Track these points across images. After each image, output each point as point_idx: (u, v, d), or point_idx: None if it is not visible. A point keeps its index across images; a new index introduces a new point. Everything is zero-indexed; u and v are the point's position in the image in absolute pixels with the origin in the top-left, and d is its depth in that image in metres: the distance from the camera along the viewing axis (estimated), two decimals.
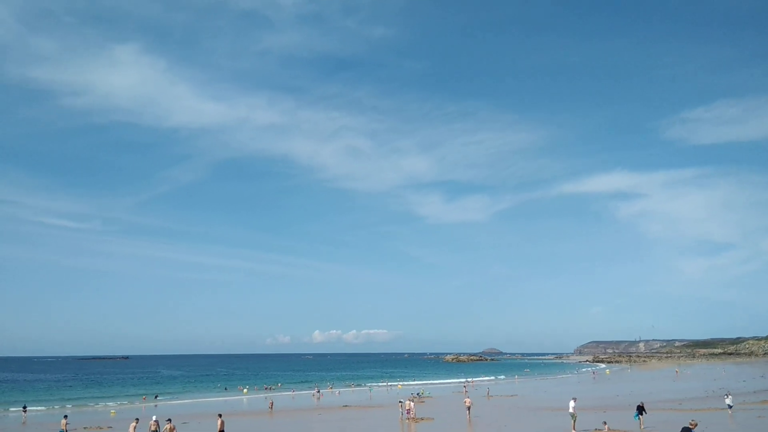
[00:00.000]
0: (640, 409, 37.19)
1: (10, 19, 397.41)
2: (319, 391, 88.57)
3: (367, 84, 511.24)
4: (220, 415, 34.44)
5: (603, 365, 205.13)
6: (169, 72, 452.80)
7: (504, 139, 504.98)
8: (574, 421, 36.61)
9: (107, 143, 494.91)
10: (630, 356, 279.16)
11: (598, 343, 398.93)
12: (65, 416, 42.26)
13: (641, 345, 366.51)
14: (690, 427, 23.32)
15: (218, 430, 32.86)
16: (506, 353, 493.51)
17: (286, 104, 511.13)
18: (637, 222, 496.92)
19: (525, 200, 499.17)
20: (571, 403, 37.43)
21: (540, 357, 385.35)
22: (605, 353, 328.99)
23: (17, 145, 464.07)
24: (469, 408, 46.87)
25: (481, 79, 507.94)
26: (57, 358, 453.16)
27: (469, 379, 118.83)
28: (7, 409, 67.57)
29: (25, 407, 60.01)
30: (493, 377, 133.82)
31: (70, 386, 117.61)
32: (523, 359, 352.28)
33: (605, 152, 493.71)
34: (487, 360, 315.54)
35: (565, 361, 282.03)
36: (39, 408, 70.03)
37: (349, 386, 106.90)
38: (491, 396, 74.02)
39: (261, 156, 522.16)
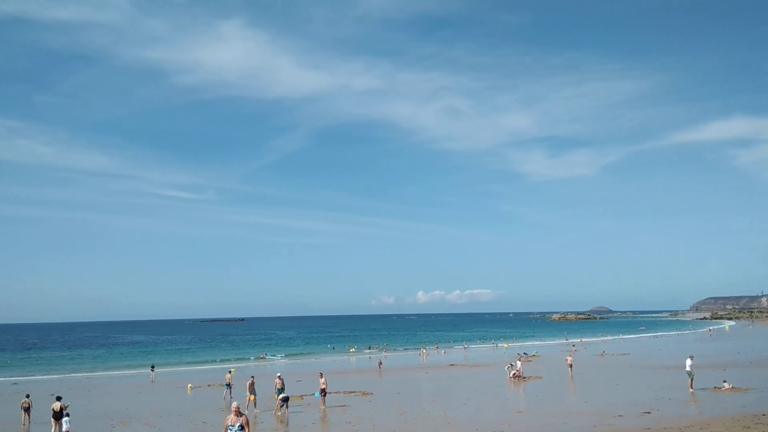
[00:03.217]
0: None
1: (124, 3, 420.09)
2: (425, 351, 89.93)
3: (465, 42, 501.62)
4: (321, 374, 35.67)
5: (723, 322, 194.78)
6: (271, 44, 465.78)
7: (610, 90, 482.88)
8: (692, 380, 35.14)
9: (217, 117, 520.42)
10: (752, 312, 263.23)
11: (716, 299, 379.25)
12: (230, 371, 45.63)
13: (764, 300, 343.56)
14: None
15: (320, 388, 34.02)
16: (616, 311, 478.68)
17: (384, 68, 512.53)
18: (757, 170, 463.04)
19: (634, 152, 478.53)
20: (688, 361, 35.88)
21: (653, 315, 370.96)
22: (724, 309, 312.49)
23: (135, 123, 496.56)
24: (570, 366, 47.89)
25: (583, 27, 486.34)
26: (181, 320, 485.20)
27: (569, 339, 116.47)
28: (138, 368, 73.35)
29: (153, 367, 64.43)
30: (604, 336, 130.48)
31: (193, 347, 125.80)
32: (635, 317, 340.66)
33: (721, 97, 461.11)
34: (596, 318, 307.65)
35: (680, 319, 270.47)
36: (166, 369, 75.45)
37: (463, 345, 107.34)
38: (604, 354, 72.33)
39: (361, 121, 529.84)
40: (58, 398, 28.55)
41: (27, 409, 31.07)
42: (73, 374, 68.01)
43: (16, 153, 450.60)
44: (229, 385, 40.15)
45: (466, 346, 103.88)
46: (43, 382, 57.71)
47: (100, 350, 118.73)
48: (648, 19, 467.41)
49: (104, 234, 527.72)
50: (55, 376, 65.82)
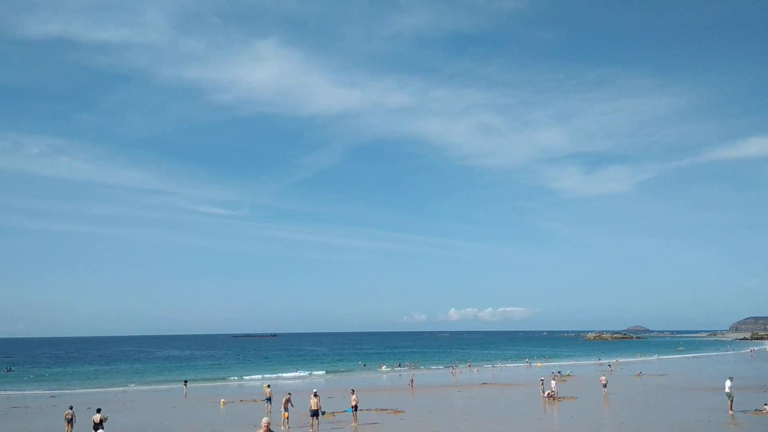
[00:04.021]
0: None
1: (164, 24, 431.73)
2: (457, 369, 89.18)
3: (497, 58, 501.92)
4: (353, 391, 35.66)
5: (764, 343, 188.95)
6: (305, 62, 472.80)
7: (645, 106, 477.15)
8: (731, 402, 34.22)
9: (252, 134, 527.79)
10: None
11: (756, 319, 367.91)
12: (268, 385, 46.12)
13: None
14: None
15: (352, 404, 34.01)
16: (653, 331, 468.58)
17: (417, 85, 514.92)
18: None
19: (671, 169, 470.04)
20: (728, 383, 34.97)
21: (691, 334, 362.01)
22: (765, 329, 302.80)
23: (172, 141, 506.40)
24: (604, 385, 47.91)
25: (617, 43, 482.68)
26: (214, 335, 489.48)
27: (602, 360, 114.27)
28: (172, 383, 74.12)
29: (185, 381, 65.03)
30: (643, 356, 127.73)
31: (226, 362, 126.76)
32: (673, 337, 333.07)
33: (758, 113, 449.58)
34: (632, 338, 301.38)
35: (719, 339, 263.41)
36: (198, 383, 76.21)
37: (497, 365, 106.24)
38: (641, 375, 70.82)
39: (393, 138, 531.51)
40: (98, 410, 29.63)
41: (70, 421, 32.13)
42: (108, 388, 69.09)
43: (58, 170, 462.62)
44: (269, 399, 40.75)
45: (500, 365, 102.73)
46: (80, 396, 58.74)
47: (137, 364, 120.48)
48: (683, 35, 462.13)
49: (141, 249, 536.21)
50: (91, 390, 66.93)
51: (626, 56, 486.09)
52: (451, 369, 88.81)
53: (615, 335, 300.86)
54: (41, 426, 37.32)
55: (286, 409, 33.73)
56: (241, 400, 49.36)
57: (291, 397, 35.87)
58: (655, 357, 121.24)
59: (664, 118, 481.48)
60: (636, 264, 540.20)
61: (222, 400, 47.97)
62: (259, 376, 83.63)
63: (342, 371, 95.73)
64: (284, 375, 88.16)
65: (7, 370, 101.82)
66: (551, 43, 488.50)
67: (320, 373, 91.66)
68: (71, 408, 33.22)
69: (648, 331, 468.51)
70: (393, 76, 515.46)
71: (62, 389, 67.89)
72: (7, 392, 63.63)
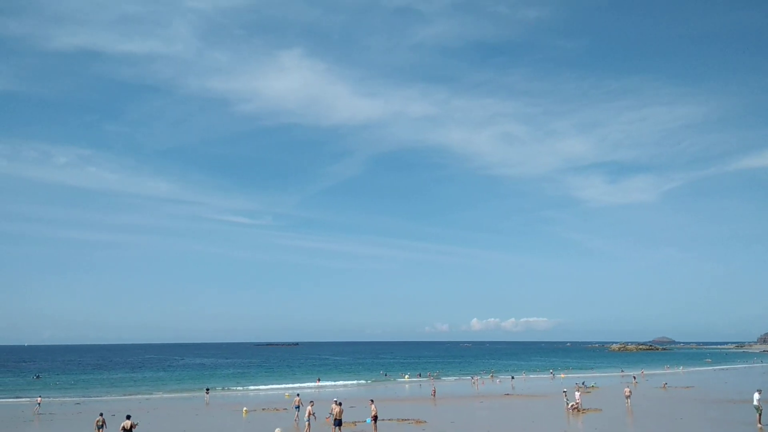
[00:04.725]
0: None
1: (189, 36, 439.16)
2: (479, 379, 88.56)
3: (520, 68, 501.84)
4: (372, 401, 35.62)
5: None
6: (329, 72, 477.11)
7: (671, 114, 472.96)
8: (760, 415, 33.57)
9: (275, 144, 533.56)
10: None
11: None
12: (297, 394, 46.54)
13: None
14: None
15: (372, 415, 33.96)
16: (679, 342, 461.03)
17: (439, 95, 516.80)
18: None
19: (697, 178, 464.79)
20: (756, 395, 34.35)
21: (718, 346, 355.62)
22: None
23: (197, 151, 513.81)
24: (628, 397, 48.03)
25: (642, 52, 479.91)
26: (237, 344, 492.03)
27: (625, 372, 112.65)
28: (193, 391, 74.64)
29: (207, 389, 65.68)
30: (671, 368, 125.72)
31: (249, 371, 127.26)
32: (699, 348, 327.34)
33: None
34: (658, 349, 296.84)
35: (747, 351, 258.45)
36: (220, 392, 76.63)
37: (522, 375, 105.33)
38: (666, 387, 69.72)
39: (415, 147, 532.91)
40: (128, 417, 30.22)
41: (101, 427, 32.76)
42: (132, 395, 69.76)
43: (86, 180, 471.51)
44: (298, 408, 41.05)
45: (524, 376, 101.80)
46: (105, 403, 59.35)
47: (160, 372, 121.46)
48: (710, 43, 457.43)
49: (166, 258, 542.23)
50: (115, 397, 67.62)
51: (652, 65, 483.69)
52: (473, 379, 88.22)
53: (640, 346, 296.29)
54: None
55: (308, 419, 33.90)
56: (263, 409, 49.52)
57: (313, 407, 36.01)
58: (680, 369, 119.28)
59: (691, 126, 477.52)
60: (662, 274, 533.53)
61: (244, 408, 48.18)
62: (281, 385, 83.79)
63: (363, 381, 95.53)
64: (306, 384, 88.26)
65: (35, 377, 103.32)
66: (575, 52, 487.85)
67: (342, 382, 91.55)
68: (101, 414, 33.99)
69: (674, 342, 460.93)
70: (416, 85, 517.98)
71: (87, 396, 68.65)
72: (33, 399, 64.46)
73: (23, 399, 64.68)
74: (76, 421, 43.46)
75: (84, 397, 67.83)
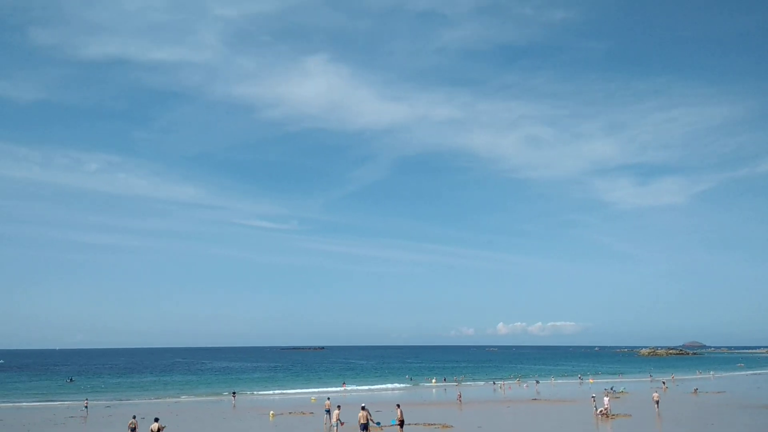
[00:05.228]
0: None
1: (216, 43, 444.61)
2: (505, 384, 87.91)
3: (545, 70, 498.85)
4: (398, 406, 35.62)
5: None
6: (353, 77, 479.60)
7: (701, 115, 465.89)
8: None
9: (300, 149, 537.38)
10: None
11: None
12: (328, 398, 46.70)
13: None
14: None
15: (398, 419, 33.93)
16: (711, 347, 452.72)
17: (464, 98, 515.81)
18: None
19: (727, 179, 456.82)
20: None
21: (751, 350, 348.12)
22: None
23: (224, 156, 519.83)
24: (657, 402, 47.54)
25: (670, 52, 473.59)
26: (263, 347, 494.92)
27: (653, 377, 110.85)
28: (220, 394, 75.32)
29: (234, 393, 66.44)
30: (702, 372, 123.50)
31: (275, 375, 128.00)
32: (731, 353, 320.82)
33: None
34: (689, 354, 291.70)
35: None
36: (247, 395, 77.18)
37: (548, 380, 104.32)
38: (697, 392, 68.55)
39: (440, 150, 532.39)
40: (156, 419, 30.80)
41: (134, 430, 33.24)
42: (161, 399, 70.68)
43: (115, 186, 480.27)
44: (328, 411, 41.19)
45: (552, 380, 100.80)
46: (135, 406, 60.21)
47: (188, 376, 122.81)
48: (739, 42, 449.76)
49: (193, 262, 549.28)
50: (145, 401, 68.56)
51: (679, 65, 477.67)
52: (499, 384, 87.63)
53: (670, 351, 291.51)
54: None
55: (335, 424, 34.08)
56: (290, 413, 49.79)
57: (340, 411, 36.15)
58: (711, 374, 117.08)
59: (720, 127, 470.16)
60: (692, 278, 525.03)
61: (271, 411, 48.48)
62: (308, 390, 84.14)
63: (389, 385, 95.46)
64: (332, 389, 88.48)
65: (69, 381, 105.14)
66: (601, 53, 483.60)
67: (367, 387, 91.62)
68: (134, 417, 34.61)
69: (705, 347, 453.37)
70: (440, 89, 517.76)
71: (118, 399, 69.69)
72: (65, 402, 65.59)
73: (56, 402, 65.95)
74: (107, 424, 44.16)
75: (114, 400, 68.84)
